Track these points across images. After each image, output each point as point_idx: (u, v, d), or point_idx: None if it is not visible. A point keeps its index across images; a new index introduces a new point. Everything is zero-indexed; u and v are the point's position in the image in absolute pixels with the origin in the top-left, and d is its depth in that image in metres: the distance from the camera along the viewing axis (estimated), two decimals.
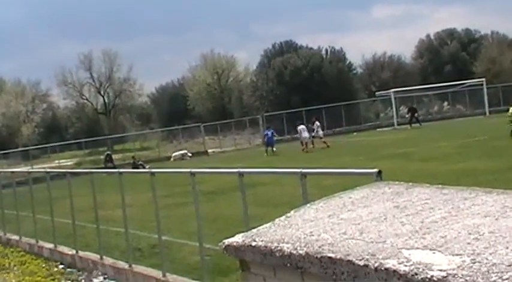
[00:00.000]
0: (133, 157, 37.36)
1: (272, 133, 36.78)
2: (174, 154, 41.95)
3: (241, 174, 7.53)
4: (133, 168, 32.45)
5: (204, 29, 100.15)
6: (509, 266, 1.56)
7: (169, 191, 16.60)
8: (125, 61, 65.54)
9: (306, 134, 34.72)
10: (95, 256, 11.53)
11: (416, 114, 43.97)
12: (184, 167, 25.24)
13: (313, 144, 34.79)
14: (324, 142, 34.36)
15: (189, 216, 10.33)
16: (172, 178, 17.50)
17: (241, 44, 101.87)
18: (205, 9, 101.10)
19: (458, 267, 1.62)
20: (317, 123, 36.32)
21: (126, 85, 65.89)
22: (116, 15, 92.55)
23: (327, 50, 59.16)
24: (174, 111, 64.75)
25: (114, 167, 32.19)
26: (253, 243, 2.27)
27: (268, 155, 34.17)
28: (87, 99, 66.36)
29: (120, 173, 11.40)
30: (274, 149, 35.40)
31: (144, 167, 31.97)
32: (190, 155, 42.03)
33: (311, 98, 49.14)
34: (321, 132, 35.94)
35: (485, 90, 47.75)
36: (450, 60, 60.22)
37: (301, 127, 35.55)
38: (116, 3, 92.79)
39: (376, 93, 51.96)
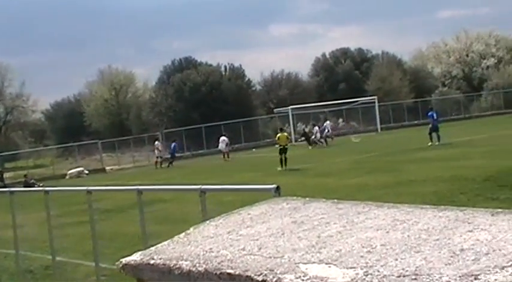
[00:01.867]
0: (25, 176, 35.92)
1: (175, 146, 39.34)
2: (69, 172, 40.73)
3: (139, 191, 7.41)
4: (25, 187, 31.16)
5: (101, 44, 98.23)
6: (399, 277, 1.63)
7: (65, 209, 16.07)
8: (17, 76, 63.01)
9: (223, 145, 37.60)
10: None
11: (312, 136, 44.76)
12: (81, 184, 24.53)
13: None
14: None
15: (85, 235, 10.03)
16: (69, 196, 16.95)
17: (140, 59, 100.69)
18: (103, 24, 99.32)
19: (352, 280, 1.67)
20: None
21: (18, 101, 63.23)
22: (8, 28, 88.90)
23: (226, 67, 59.66)
24: (70, 127, 62.83)
25: (5, 186, 30.79)
26: (152, 262, 2.23)
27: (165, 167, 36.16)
28: None
29: (12, 192, 10.89)
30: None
31: (38, 186, 30.79)
32: (87, 172, 40.94)
33: (210, 114, 49.29)
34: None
35: (376, 107, 49.82)
36: (344, 78, 62.32)
37: (221, 138, 38.17)
38: (8, 16, 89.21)
39: (275, 110, 52.92)
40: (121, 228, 13.51)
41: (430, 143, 28.14)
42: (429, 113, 30.64)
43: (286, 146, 25.63)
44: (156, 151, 39.17)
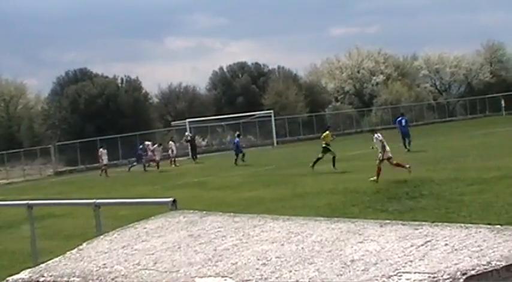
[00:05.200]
0: None
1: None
2: None
3: (30, 206, 7.13)
4: None
5: None
6: None
7: None
8: None
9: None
10: None
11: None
12: None
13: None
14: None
15: None
16: None
17: (32, 70, 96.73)
18: None
19: None
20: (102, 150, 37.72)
21: None
22: None
23: (122, 79, 58.67)
24: None
25: None
26: (41, 279, 2.16)
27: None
28: None
29: None
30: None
31: None
32: None
33: (106, 127, 48.26)
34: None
35: (273, 121, 50.64)
36: (242, 92, 62.91)
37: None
38: None
39: (172, 122, 52.57)
40: (9, 245, 12.91)
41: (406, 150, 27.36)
42: (398, 119, 29.95)
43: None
44: (101, 159, 37.02)
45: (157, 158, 35.55)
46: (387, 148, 18.45)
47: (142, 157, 37.08)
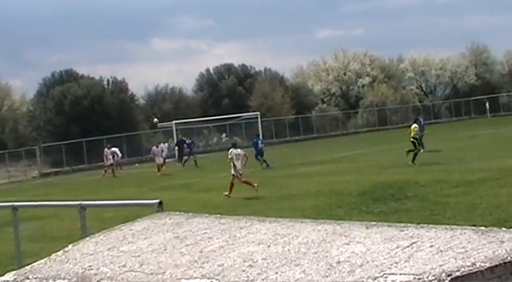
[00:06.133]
0: None
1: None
2: None
3: (15, 207, 7.08)
4: None
5: None
6: None
7: None
8: None
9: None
10: None
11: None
12: None
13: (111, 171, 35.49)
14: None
15: None
16: None
17: (16, 71, 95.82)
18: None
19: None
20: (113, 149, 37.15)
21: None
22: None
23: (108, 80, 58.41)
24: None
25: None
26: (26, 281, 2.14)
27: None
28: None
29: None
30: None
31: None
32: None
33: (91, 128, 47.99)
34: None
35: (259, 123, 50.70)
36: (228, 93, 62.88)
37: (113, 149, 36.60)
38: None
39: (158, 124, 52.46)
40: None
41: (422, 150, 25.92)
42: (417, 119, 29.36)
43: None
44: (106, 159, 35.99)
45: (157, 160, 34.75)
46: (238, 166, 18.67)
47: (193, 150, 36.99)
